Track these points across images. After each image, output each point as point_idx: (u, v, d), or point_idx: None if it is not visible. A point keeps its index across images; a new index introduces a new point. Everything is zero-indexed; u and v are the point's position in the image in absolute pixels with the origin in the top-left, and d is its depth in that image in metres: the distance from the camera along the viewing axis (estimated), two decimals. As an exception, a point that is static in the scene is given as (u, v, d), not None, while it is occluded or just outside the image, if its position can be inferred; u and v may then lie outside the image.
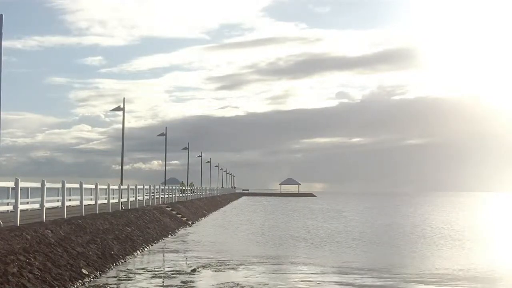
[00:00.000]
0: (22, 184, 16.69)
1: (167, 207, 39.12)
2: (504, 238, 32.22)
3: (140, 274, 16.25)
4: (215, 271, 17.22)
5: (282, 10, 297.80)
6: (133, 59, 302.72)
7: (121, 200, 29.60)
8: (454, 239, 28.91)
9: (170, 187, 51.25)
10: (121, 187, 30.27)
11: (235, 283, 14.81)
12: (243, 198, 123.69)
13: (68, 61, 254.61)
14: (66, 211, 20.35)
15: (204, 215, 48.56)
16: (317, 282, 15.48)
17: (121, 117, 39.36)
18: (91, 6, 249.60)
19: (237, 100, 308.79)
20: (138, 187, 34.57)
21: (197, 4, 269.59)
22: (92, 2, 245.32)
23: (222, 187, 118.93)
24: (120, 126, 40.48)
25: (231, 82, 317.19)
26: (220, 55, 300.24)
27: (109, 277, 15.47)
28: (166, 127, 58.56)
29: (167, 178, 62.16)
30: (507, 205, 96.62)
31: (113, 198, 28.48)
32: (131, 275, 15.94)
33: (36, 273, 12.75)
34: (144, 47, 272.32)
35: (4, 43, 19.46)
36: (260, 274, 16.70)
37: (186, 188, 61.36)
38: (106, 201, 26.78)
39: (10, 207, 18.00)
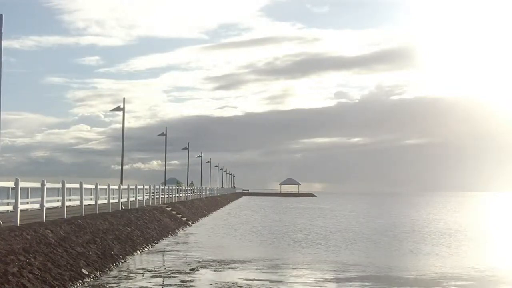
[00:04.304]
0: (22, 184, 16.70)
1: (167, 207, 39.14)
2: (502, 237, 32.24)
3: (140, 274, 16.28)
4: (215, 270, 17.27)
5: (280, 10, 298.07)
6: (130, 59, 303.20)
7: (121, 200, 29.62)
8: (452, 238, 28.94)
9: (170, 187, 51.23)
10: (121, 187, 30.29)
11: (234, 283, 14.85)
12: (243, 198, 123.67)
13: (66, 61, 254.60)
14: (66, 211, 20.37)
15: (204, 215, 48.59)
16: (315, 281, 15.52)
17: (120, 117, 39.36)
18: (89, 6, 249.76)
19: (235, 100, 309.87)
20: (138, 187, 34.59)
21: (195, 4, 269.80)
22: (90, 2, 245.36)
23: (222, 187, 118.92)
24: (119, 126, 40.62)
25: (228, 82, 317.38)
26: (218, 55, 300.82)
27: (109, 277, 15.50)
28: (166, 127, 58.58)
29: (167, 178, 62.14)
30: (506, 205, 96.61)
31: (113, 198, 28.50)
32: (131, 275, 15.97)
33: (36, 273, 12.78)
34: (142, 47, 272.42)
35: (2, 43, 19.42)
36: (259, 273, 16.74)
37: (186, 188, 61.38)
38: (106, 201, 26.80)
39: (10, 207, 18.01)
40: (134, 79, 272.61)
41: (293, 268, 18.06)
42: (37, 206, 18.89)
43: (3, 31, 19.37)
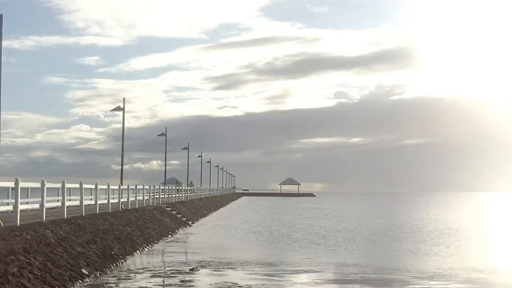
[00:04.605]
0: (22, 184, 16.72)
1: (167, 207, 39.16)
2: (502, 237, 32.25)
3: (140, 273, 16.30)
4: (214, 270, 17.28)
5: (279, 10, 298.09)
6: (130, 59, 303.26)
7: (121, 200, 29.63)
8: (452, 238, 28.96)
9: (170, 187, 51.23)
10: (121, 187, 30.30)
11: (233, 283, 14.87)
12: (243, 198, 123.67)
13: (66, 61, 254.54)
14: (66, 211, 20.39)
15: (204, 215, 48.61)
16: (315, 281, 15.54)
17: (120, 117, 39.39)
18: (89, 6, 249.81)
19: (235, 100, 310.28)
20: (138, 187, 34.60)
21: (195, 4, 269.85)
22: (90, 2, 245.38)
23: (222, 187, 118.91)
24: (119, 126, 40.64)
25: (228, 82, 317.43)
26: (218, 55, 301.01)
27: (109, 277, 15.51)
28: (166, 127, 58.59)
29: (167, 178, 62.15)
30: (506, 205, 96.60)
31: (113, 198, 28.51)
32: (131, 275, 15.99)
33: (36, 273, 12.79)
34: (142, 47, 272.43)
35: (2, 43, 19.40)
36: (258, 273, 16.77)
37: (186, 188, 61.41)
38: (106, 201, 26.82)
39: (10, 207, 18.03)
40: (134, 79, 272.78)
41: (292, 268, 18.07)
42: (37, 206, 18.91)
43: (3, 31, 19.40)
